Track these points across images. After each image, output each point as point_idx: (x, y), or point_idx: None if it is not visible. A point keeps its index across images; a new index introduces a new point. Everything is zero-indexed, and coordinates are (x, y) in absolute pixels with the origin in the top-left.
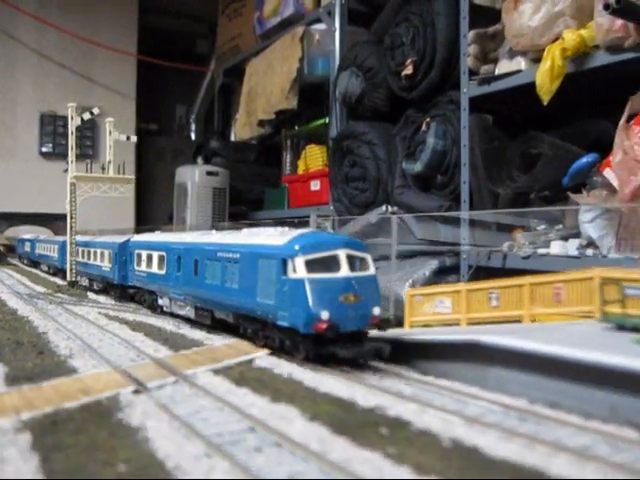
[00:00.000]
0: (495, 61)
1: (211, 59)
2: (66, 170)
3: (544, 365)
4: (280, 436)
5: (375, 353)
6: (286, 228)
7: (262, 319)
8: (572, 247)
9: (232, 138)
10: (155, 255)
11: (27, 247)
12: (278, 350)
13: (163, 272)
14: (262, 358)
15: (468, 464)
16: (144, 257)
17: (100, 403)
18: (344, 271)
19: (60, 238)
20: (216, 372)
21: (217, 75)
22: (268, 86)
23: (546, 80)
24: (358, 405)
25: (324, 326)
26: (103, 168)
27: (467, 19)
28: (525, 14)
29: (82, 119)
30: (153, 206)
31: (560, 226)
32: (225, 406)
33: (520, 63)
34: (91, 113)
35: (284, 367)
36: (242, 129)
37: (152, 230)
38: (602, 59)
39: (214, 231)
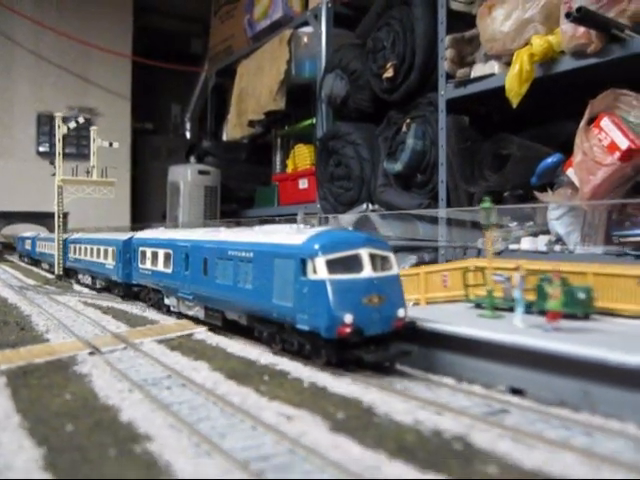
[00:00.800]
0: (471, 64)
1: (205, 59)
2: (54, 174)
3: None
4: (187, 380)
5: (401, 356)
6: (301, 225)
7: (279, 322)
8: (541, 243)
9: (224, 138)
10: (161, 253)
11: (27, 245)
12: (296, 354)
13: (169, 270)
14: (201, 333)
15: (316, 397)
16: (149, 255)
17: (61, 360)
18: (367, 271)
19: (62, 236)
20: (159, 342)
21: (210, 76)
22: (258, 87)
23: (515, 84)
24: (258, 363)
25: (348, 330)
26: (88, 172)
27: (444, 24)
28: (497, 20)
29: (68, 128)
30: (148, 204)
31: (531, 223)
32: (156, 363)
33: (494, 67)
34: (76, 122)
35: (215, 339)
36: (233, 129)
37: (145, 228)
38: (568, 64)
39: (222, 228)
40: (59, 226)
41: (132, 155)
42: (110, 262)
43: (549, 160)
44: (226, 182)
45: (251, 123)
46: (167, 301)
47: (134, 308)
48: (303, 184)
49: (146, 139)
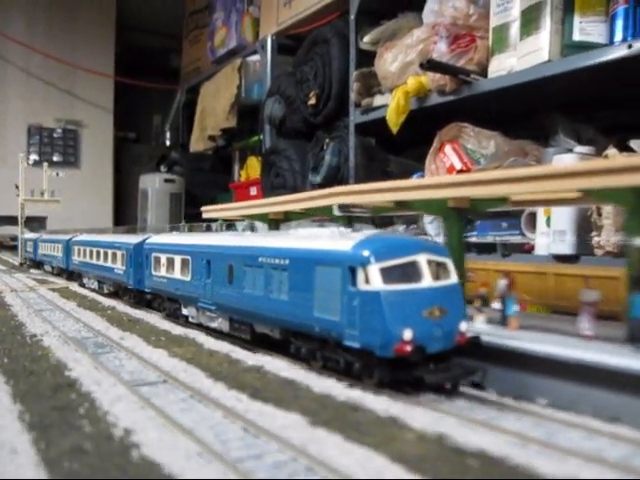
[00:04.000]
0: (374, 95)
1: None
2: (18, 195)
3: None
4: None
5: (466, 376)
6: (342, 228)
7: (321, 337)
8: None
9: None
10: (177, 259)
11: (29, 247)
12: (343, 374)
13: (188, 278)
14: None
15: (233, 368)
16: (164, 261)
17: None
18: (427, 280)
19: (65, 237)
20: (52, 290)
21: (181, 93)
22: (215, 107)
23: (393, 115)
24: (204, 347)
25: (408, 348)
26: (42, 193)
27: (354, 61)
28: (388, 61)
29: (28, 163)
30: (130, 207)
31: (414, 226)
32: (43, 298)
33: (388, 98)
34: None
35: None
36: (196, 143)
37: (130, 229)
38: (434, 100)
39: (248, 232)
40: (22, 232)
41: (115, 162)
42: (120, 267)
43: (415, 176)
44: (192, 188)
45: (211, 137)
46: (185, 311)
47: (55, 279)
48: (253, 191)
49: (129, 147)
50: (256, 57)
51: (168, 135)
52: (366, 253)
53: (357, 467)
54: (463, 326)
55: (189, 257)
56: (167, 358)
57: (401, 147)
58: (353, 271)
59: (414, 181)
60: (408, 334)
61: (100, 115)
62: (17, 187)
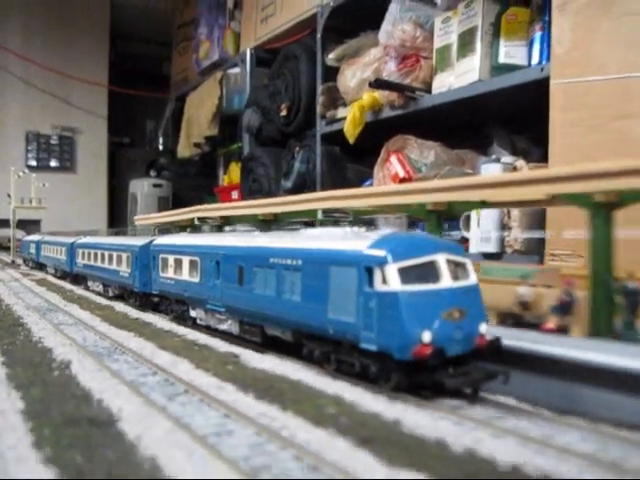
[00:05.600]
0: (338, 107)
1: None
2: (10, 203)
3: None
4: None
5: (487, 380)
6: (355, 228)
7: (335, 339)
8: None
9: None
10: (185, 260)
11: (32, 249)
12: (359, 378)
13: (196, 280)
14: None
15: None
16: (171, 262)
17: None
18: (446, 281)
19: (69, 239)
20: (31, 280)
21: (170, 101)
22: (200, 116)
23: (350, 127)
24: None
25: (427, 351)
26: (31, 201)
27: (320, 76)
28: (348, 77)
29: (19, 175)
30: (125, 209)
31: (373, 227)
32: (22, 286)
33: (349, 111)
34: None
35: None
36: (183, 149)
37: (121, 230)
38: (386, 113)
39: (257, 232)
40: (13, 234)
41: (110, 166)
42: (125, 269)
43: (367, 182)
44: (179, 192)
45: (197, 145)
46: (193, 313)
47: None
48: (234, 195)
49: (123, 152)
50: (237, 69)
51: (161, 140)
52: (383, 253)
53: None
54: (483, 328)
55: (198, 258)
56: (90, 316)
57: (363, 155)
58: (370, 271)
59: (397, 187)
60: (427, 336)
61: (95, 122)
62: (9, 196)
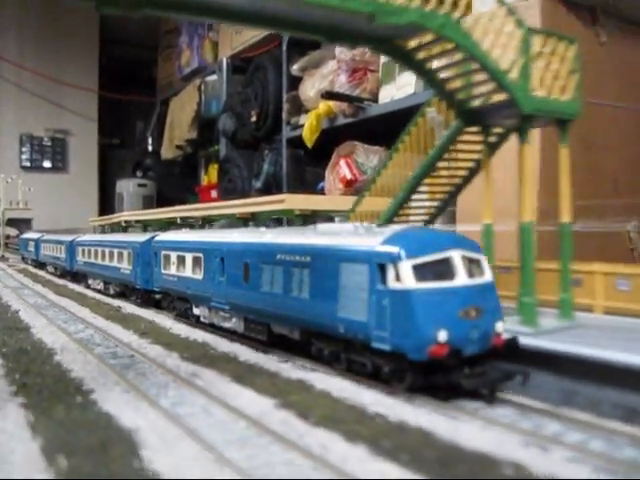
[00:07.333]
0: (302, 114)
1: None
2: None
3: None
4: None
5: (504, 380)
6: (366, 223)
7: (345, 338)
8: None
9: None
10: (188, 257)
11: (31, 247)
12: (370, 378)
13: (199, 277)
14: None
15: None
16: (173, 259)
17: None
18: (462, 278)
19: (68, 237)
20: (14, 270)
21: (156, 104)
22: (181, 120)
23: (307, 133)
24: (158, 324)
25: (443, 350)
26: (18, 203)
27: (285, 85)
28: (308, 87)
29: (7, 182)
30: (115, 206)
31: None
32: (6, 274)
33: (307, 118)
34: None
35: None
36: (166, 151)
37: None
38: (340, 121)
39: (263, 228)
40: (3, 232)
41: (101, 166)
42: (126, 266)
43: (320, 185)
44: (163, 191)
45: (179, 147)
46: (196, 311)
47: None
48: (213, 194)
49: (113, 153)
50: (215, 77)
51: (150, 141)
52: (396, 249)
53: None
54: (500, 327)
55: (201, 255)
56: (43, 289)
57: (321, 159)
58: (382, 268)
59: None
60: (443, 335)
61: (86, 124)
62: None
